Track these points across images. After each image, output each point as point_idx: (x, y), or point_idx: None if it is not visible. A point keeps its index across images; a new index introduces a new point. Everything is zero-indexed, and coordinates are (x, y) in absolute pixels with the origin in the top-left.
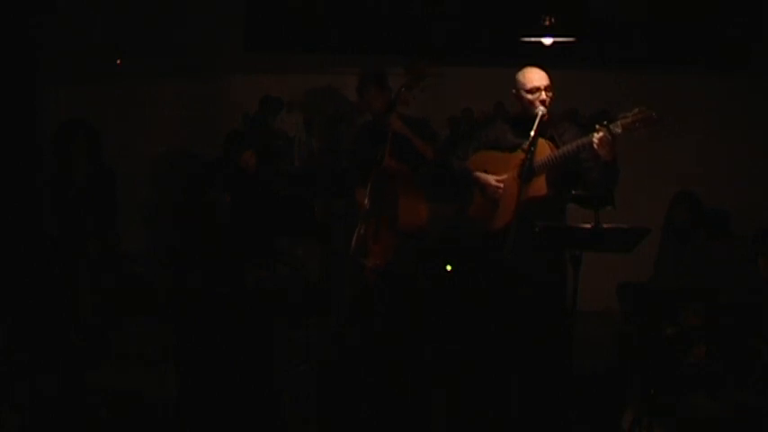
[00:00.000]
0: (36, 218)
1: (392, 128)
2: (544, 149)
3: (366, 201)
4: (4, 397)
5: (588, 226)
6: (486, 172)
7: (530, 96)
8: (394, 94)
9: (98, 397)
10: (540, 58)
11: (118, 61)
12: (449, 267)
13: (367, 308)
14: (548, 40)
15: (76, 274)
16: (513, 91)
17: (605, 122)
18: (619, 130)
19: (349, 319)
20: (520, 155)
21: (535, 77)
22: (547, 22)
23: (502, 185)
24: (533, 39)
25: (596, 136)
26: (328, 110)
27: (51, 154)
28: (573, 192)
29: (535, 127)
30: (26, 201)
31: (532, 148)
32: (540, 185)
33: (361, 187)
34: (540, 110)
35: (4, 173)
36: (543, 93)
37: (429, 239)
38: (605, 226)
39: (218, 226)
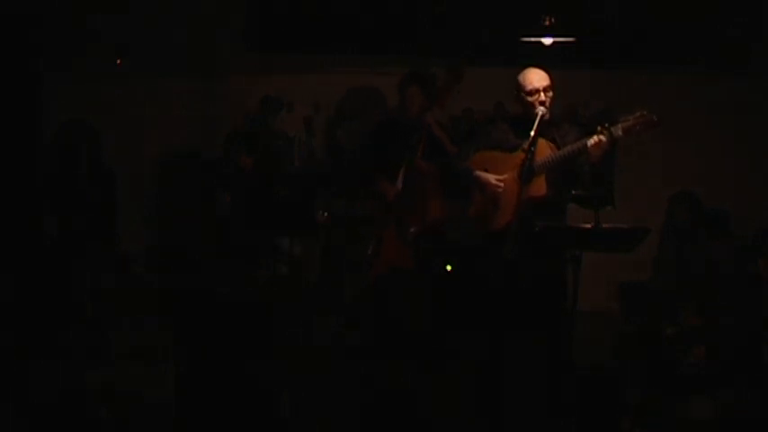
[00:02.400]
0: (36, 218)
1: (428, 129)
2: (544, 150)
3: (393, 195)
4: (4, 397)
5: (588, 226)
6: (486, 172)
7: (529, 98)
8: (433, 94)
9: (98, 397)
10: (540, 58)
11: (118, 61)
12: (449, 267)
13: (368, 307)
14: (548, 40)
15: (76, 274)
16: (514, 92)
17: (607, 125)
18: (620, 133)
19: (349, 318)
20: (520, 155)
21: (534, 79)
22: (547, 22)
23: (502, 185)
24: (533, 39)
25: (594, 138)
26: (367, 110)
27: (51, 154)
28: (573, 192)
29: (535, 127)
30: (26, 201)
31: (532, 149)
32: (539, 185)
33: (387, 181)
34: (540, 110)
35: (4, 173)
36: (542, 94)
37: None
38: (605, 226)
39: (218, 226)
